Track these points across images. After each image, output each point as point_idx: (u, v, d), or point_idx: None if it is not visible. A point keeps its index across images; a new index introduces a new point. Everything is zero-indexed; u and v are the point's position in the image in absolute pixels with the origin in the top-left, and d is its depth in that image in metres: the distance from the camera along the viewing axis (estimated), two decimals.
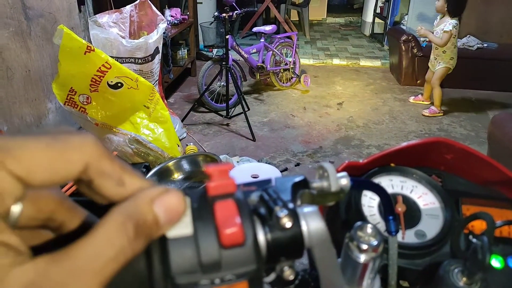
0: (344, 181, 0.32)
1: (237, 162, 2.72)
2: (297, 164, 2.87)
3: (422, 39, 3.85)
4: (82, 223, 0.26)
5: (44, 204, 0.24)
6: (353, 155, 3.05)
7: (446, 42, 3.45)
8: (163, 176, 2.16)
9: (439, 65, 3.62)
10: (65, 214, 0.25)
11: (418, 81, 4.45)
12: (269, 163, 2.69)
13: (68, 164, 0.20)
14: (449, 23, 3.40)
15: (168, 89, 3.88)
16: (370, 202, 0.51)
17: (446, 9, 3.40)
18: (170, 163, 2.30)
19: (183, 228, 0.23)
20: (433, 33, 3.55)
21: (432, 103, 3.87)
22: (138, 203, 0.22)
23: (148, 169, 2.39)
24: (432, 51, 3.73)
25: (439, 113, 3.79)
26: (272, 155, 3.00)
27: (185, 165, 2.35)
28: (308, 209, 0.26)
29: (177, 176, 2.29)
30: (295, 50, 4.22)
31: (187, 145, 2.92)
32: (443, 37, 3.43)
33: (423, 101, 4.02)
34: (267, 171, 2.35)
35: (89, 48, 2.05)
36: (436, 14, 3.67)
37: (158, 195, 0.23)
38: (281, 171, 2.68)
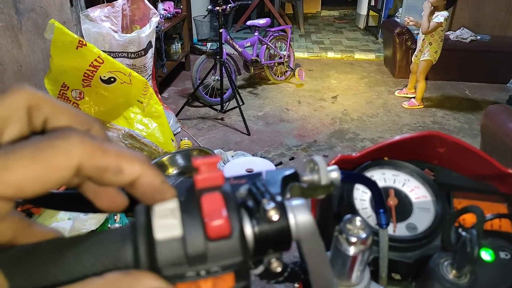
0: (334, 174, 0.33)
1: (232, 156, 2.71)
2: (292, 158, 2.87)
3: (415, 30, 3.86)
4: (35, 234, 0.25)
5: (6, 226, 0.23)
6: (348, 148, 3.05)
7: (431, 31, 3.43)
8: None
9: (423, 57, 3.62)
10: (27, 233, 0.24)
11: None
12: (263, 157, 2.70)
13: (58, 171, 0.19)
14: (441, 15, 3.37)
15: (162, 84, 3.86)
16: (362, 195, 0.51)
17: (444, 2, 3.38)
18: (165, 158, 2.30)
19: (172, 230, 0.23)
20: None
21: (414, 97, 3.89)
22: None
23: None
24: (418, 42, 3.73)
25: (418, 105, 3.82)
26: (267, 149, 3.00)
27: (180, 160, 2.35)
28: (296, 202, 0.27)
29: (172, 171, 2.29)
30: (289, 43, 4.21)
31: (181, 139, 2.91)
32: (431, 25, 3.40)
33: (407, 93, 4.03)
34: (262, 165, 2.35)
35: (81, 42, 2.03)
36: None
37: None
38: (276, 165, 2.68)
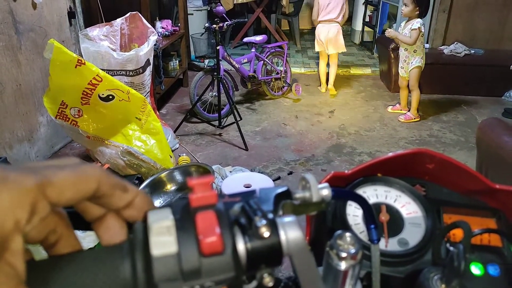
0: (325, 191, 0.34)
1: (230, 172, 2.72)
2: (290, 173, 2.88)
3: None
4: (74, 242, 0.28)
5: (50, 217, 0.26)
6: (345, 162, 3.07)
7: (415, 40, 3.50)
8: (156, 187, 2.17)
9: (412, 65, 3.65)
10: (65, 229, 0.28)
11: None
12: (262, 173, 2.70)
13: (87, 184, 0.25)
14: (416, 22, 3.47)
15: (160, 100, 3.89)
16: (355, 211, 0.52)
17: (417, 12, 3.48)
18: (163, 175, 2.30)
19: (168, 246, 0.25)
20: None
21: (409, 110, 3.90)
22: None
23: (141, 181, 2.39)
24: (400, 56, 3.77)
25: (415, 118, 3.83)
26: (265, 164, 3.01)
27: (178, 176, 2.35)
28: (287, 219, 0.28)
29: (170, 187, 2.30)
30: (286, 59, 4.26)
31: (179, 156, 2.92)
32: (412, 35, 3.48)
33: (400, 110, 4.04)
34: (260, 180, 2.36)
35: (80, 61, 2.06)
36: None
37: None
38: (274, 180, 2.69)
